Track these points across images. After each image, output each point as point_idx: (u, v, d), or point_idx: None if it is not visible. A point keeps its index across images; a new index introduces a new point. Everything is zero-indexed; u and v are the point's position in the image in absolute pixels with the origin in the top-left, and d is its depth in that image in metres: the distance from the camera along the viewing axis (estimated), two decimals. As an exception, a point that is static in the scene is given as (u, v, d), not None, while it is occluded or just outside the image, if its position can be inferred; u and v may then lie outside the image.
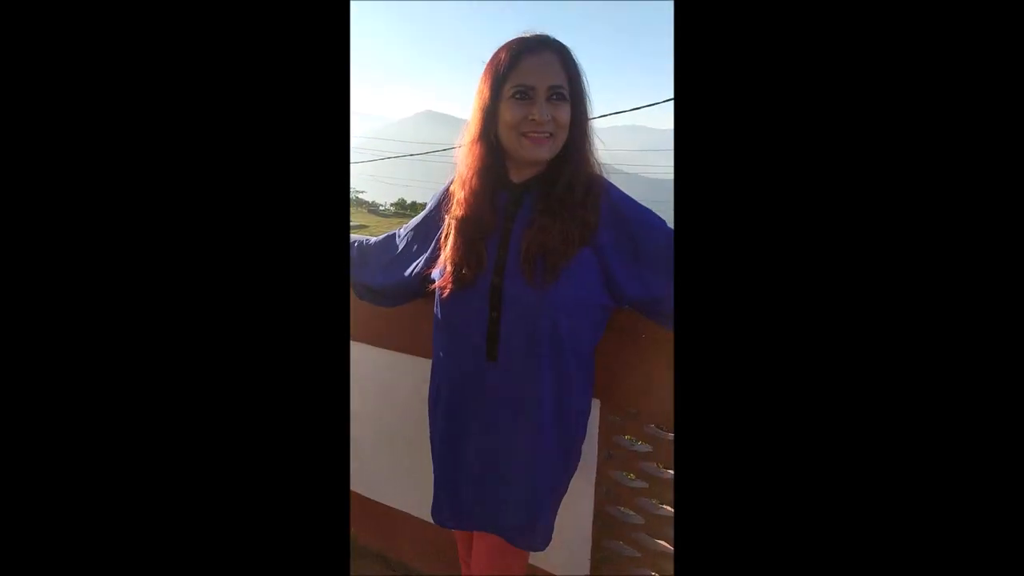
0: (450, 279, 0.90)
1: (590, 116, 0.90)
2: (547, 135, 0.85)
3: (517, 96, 0.84)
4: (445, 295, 0.91)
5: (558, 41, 0.87)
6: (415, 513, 1.43)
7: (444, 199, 0.98)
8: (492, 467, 0.92)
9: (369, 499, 1.49)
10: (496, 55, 0.87)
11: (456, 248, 0.90)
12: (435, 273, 0.95)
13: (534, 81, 0.84)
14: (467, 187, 0.91)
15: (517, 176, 0.92)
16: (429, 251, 0.99)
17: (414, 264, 1.02)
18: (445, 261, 0.92)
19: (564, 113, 0.85)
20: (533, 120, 0.84)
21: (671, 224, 0.92)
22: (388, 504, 1.47)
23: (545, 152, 0.86)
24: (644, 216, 0.90)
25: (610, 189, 0.91)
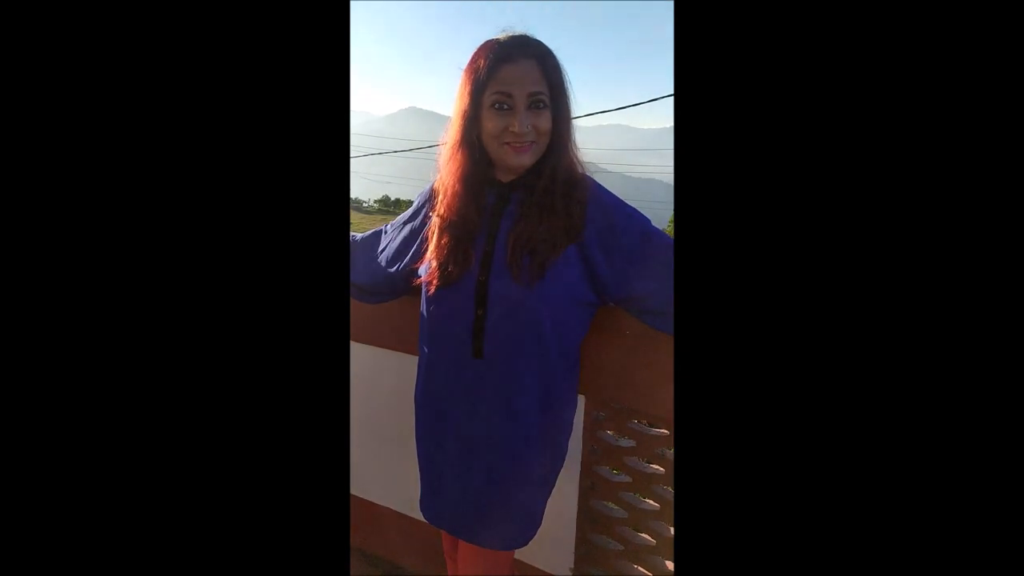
0: (436, 275, 0.90)
1: (572, 116, 0.89)
2: (529, 143, 0.86)
3: (496, 106, 0.84)
4: (431, 292, 0.91)
5: (538, 43, 0.86)
6: (399, 509, 1.43)
7: (430, 197, 0.98)
8: (476, 465, 0.93)
9: (353, 495, 1.49)
10: (474, 60, 0.86)
11: (442, 247, 0.90)
12: (421, 269, 0.95)
13: (513, 90, 0.83)
14: (450, 190, 0.91)
15: (504, 176, 0.92)
16: (416, 246, 0.99)
17: (401, 261, 1.02)
18: (431, 258, 0.92)
19: (544, 120, 0.85)
20: (513, 132, 0.84)
21: (661, 224, 0.93)
22: (372, 500, 1.47)
23: (527, 159, 0.87)
24: (629, 215, 0.91)
25: (596, 188, 0.91)
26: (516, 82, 0.83)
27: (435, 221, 0.93)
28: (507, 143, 0.85)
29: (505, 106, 0.84)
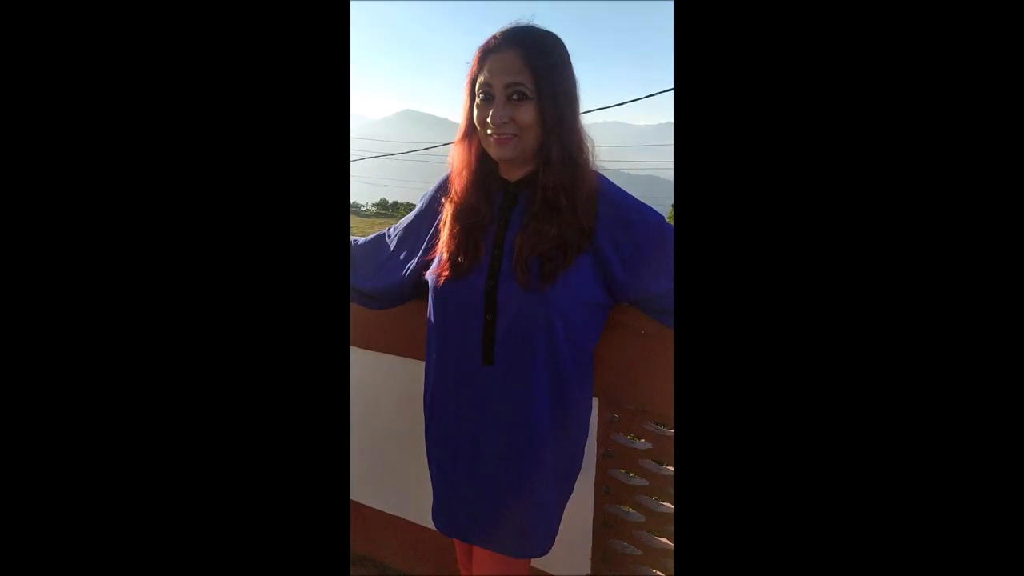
0: (447, 266, 0.88)
1: (575, 112, 0.85)
2: (509, 135, 0.83)
3: (481, 97, 0.84)
4: (440, 283, 0.89)
5: (533, 33, 0.83)
6: (410, 517, 1.40)
7: (439, 192, 0.96)
8: (490, 473, 0.90)
9: (358, 503, 1.47)
10: (476, 54, 0.86)
11: (453, 236, 0.89)
12: (431, 267, 0.92)
13: (493, 80, 0.82)
14: (461, 180, 0.90)
15: (510, 174, 0.90)
16: (423, 250, 0.97)
17: (407, 265, 1.00)
18: (441, 248, 0.90)
19: (524, 113, 0.82)
20: (490, 122, 0.82)
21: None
22: (378, 508, 1.45)
23: (508, 152, 0.84)
24: (641, 212, 0.88)
25: (605, 184, 0.89)
26: (496, 72, 0.82)
27: (447, 209, 0.92)
28: (489, 134, 0.84)
29: (489, 97, 0.83)
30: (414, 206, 1.06)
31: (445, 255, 0.89)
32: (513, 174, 0.89)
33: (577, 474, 0.97)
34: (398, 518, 1.42)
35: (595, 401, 1.08)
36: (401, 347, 1.30)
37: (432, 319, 0.93)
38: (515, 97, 0.81)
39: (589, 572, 1.19)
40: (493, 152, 0.86)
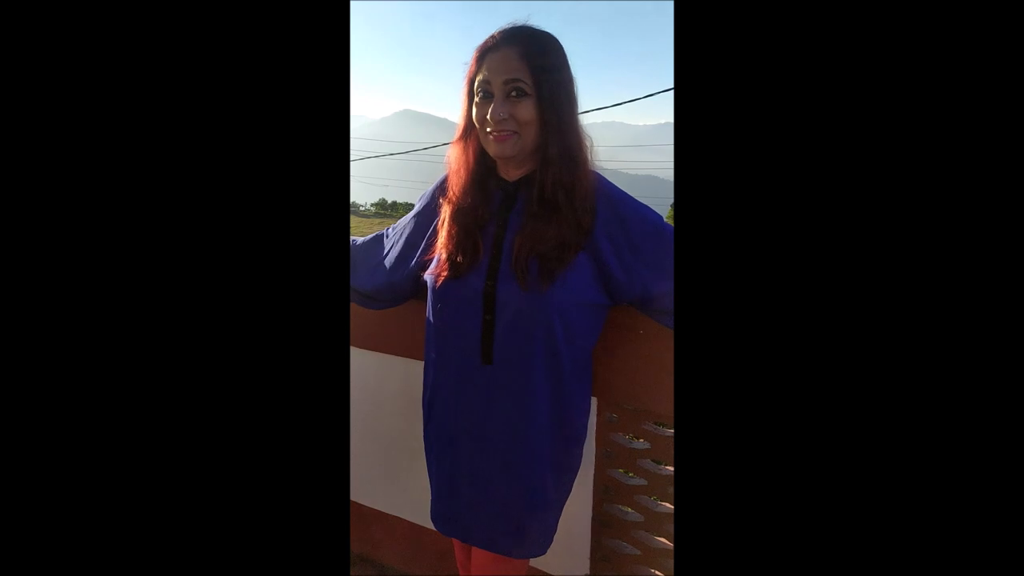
0: (445, 266, 0.88)
1: (573, 110, 0.86)
2: (509, 132, 0.83)
3: (480, 95, 0.84)
4: (439, 284, 0.89)
5: (530, 32, 0.83)
6: (410, 518, 1.40)
7: (437, 191, 0.96)
8: (489, 473, 0.90)
9: (358, 503, 1.47)
10: (474, 54, 0.86)
11: (451, 236, 0.89)
12: (430, 267, 0.92)
13: (492, 78, 0.82)
14: (459, 180, 0.90)
15: (508, 174, 0.90)
16: (421, 250, 0.97)
17: (405, 265, 1.00)
18: (440, 248, 0.90)
19: (524, 110, 0.82)
20: (491, 119, 0.83)
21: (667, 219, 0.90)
22: (378, 508, 1.45)
23: (508, 149, 0.84)
24: (640, 212, 0.88)
25: (606, 186, 0.88)
26: (494, 69, 0.82)
27: (446, 209, 0.91)
28: (488, 132, 0.84)
29: (488, 94, 0.83)
30: (413, 206, 1.06)
31: (444, 255, 0.89)
32: (512, 173, 0.89)
33: (576, 474, 0.97)
34: (397, 518, 1.42)
35: (594, 401, 1.08)
36: (401, 347, 1.30)
37: (431, 319, 0.93)
38: (514, 94, 0.81)
39: (588, 572, 1.19)
40: (493, 150, 0.86)
